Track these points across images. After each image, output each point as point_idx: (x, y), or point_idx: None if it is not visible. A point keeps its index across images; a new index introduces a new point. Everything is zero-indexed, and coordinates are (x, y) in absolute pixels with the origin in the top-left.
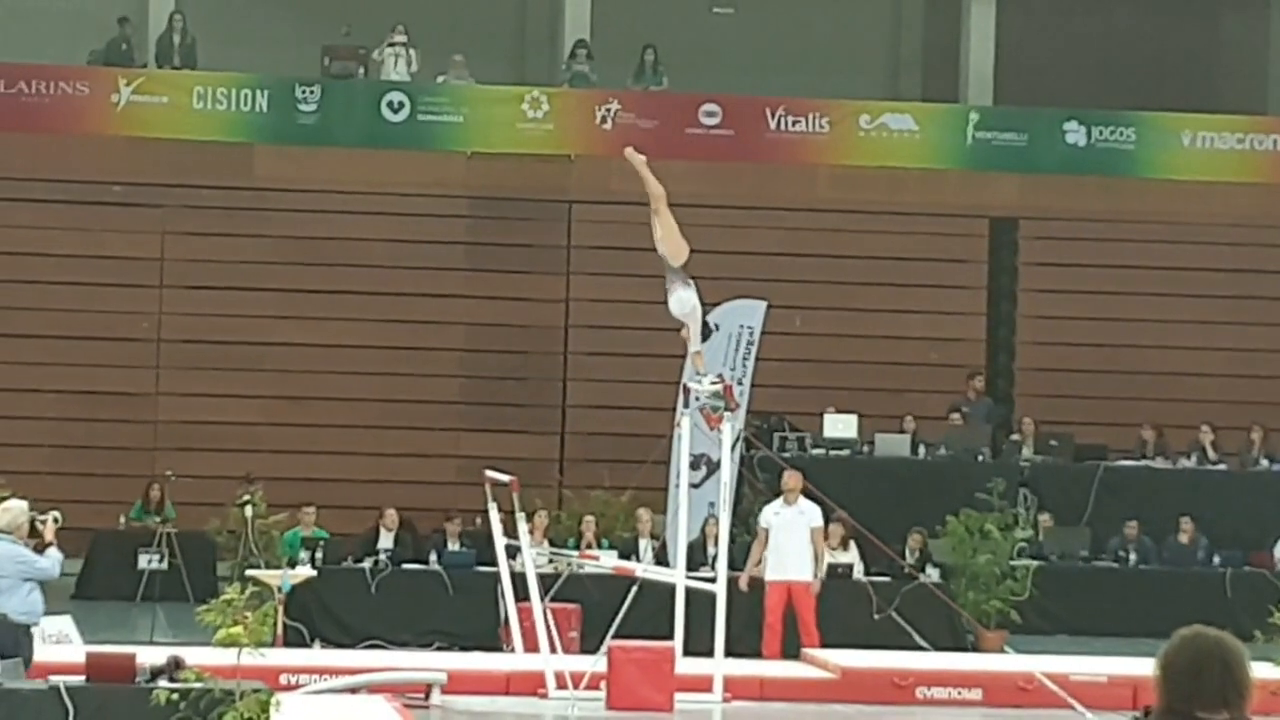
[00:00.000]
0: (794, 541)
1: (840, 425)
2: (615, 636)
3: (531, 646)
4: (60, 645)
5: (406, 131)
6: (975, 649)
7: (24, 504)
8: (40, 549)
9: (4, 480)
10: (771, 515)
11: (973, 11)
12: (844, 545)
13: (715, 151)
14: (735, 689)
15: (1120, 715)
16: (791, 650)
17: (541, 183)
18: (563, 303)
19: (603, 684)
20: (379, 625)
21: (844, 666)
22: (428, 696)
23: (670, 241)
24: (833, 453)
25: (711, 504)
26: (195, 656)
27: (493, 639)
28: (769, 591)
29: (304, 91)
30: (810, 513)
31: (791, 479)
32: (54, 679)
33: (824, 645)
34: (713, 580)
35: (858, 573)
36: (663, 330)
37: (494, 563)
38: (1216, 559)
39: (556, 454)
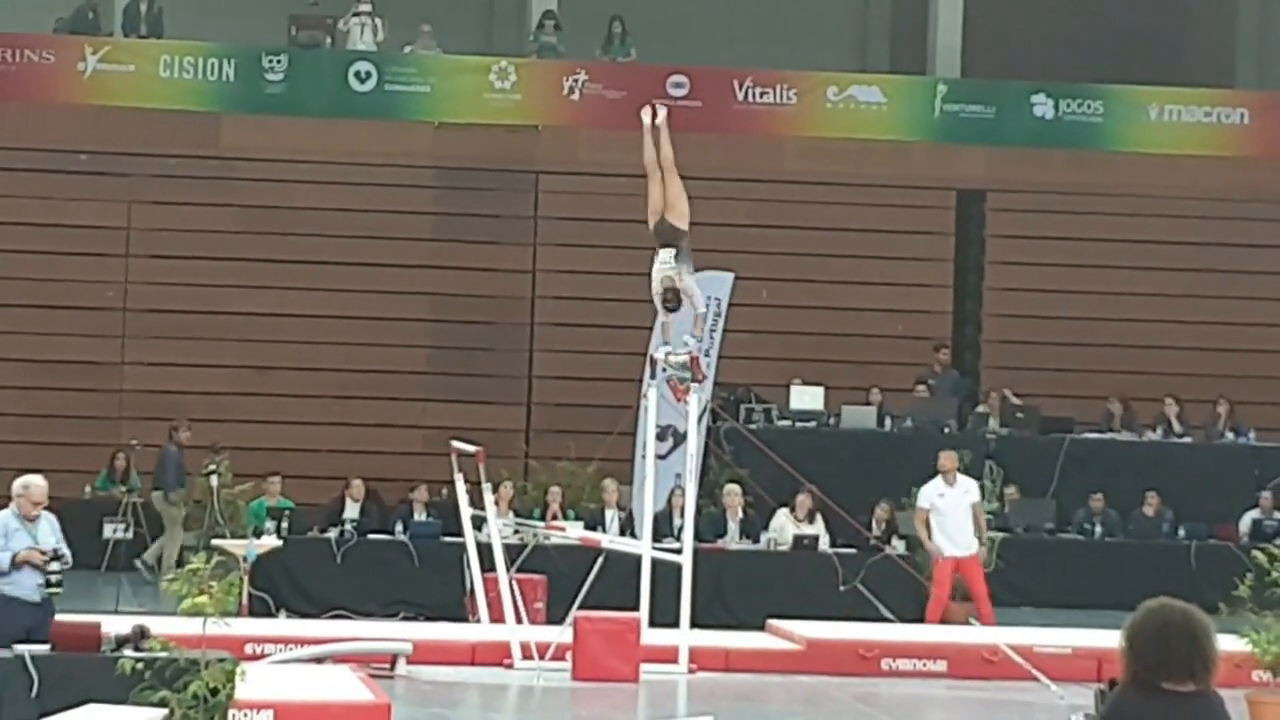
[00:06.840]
0: None
1: (806, 397)
2: (581, 607)
3: (497, 617)
4: None
5: (373, 101)
6: (940, 621)
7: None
8: None
9: None
10: None
11: None
12: (810, 517)
13: (683, 122)
14: (701, 660)
15: (1084, 687)
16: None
17: (508, 153)
18: (529, 273)
19: (568, 654)
20: (344, 595)
21: (809, 638)
22: (393, 666)
23: (684, 202)
24: (799, 424)
25: (678, 475)
26: (160, 626)
27: (458, 609)
28: None
29: (271, 61)
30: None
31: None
32: (19, 648)
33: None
34: (678, 552)
35: (823, 544)
36: (629, 301)
37: (460, 533)
38: (1182, 531)
39: (522, 424)
